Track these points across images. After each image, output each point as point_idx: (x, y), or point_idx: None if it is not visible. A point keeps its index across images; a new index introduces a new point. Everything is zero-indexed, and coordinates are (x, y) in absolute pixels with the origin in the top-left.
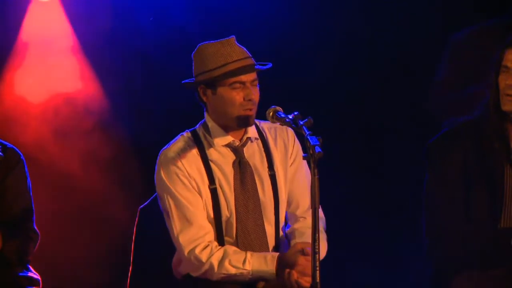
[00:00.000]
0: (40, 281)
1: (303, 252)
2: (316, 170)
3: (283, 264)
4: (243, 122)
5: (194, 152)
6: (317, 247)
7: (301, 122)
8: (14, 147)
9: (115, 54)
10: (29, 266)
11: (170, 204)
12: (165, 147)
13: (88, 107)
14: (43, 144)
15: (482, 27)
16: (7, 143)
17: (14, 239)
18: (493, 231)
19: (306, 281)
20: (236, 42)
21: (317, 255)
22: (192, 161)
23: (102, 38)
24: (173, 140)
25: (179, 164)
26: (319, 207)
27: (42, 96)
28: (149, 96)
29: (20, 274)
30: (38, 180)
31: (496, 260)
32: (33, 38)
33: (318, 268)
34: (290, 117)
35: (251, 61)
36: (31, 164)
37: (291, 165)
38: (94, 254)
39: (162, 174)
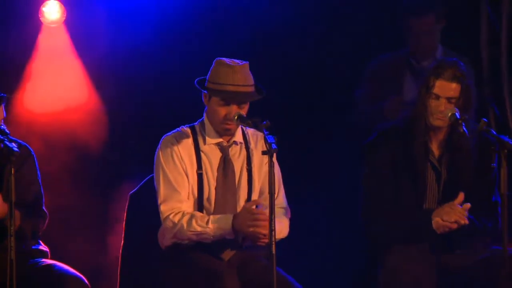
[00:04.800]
0: (49, 253)
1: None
2: (272, 163)
3: (237, 218)
4: (223, 133)
5: (189, 141)
6: (273, 223)
7: (260, 124)
8: (27, 145)
9: (114, 67)
10: (40, 240)
11: (161, 178)
12: (167, 134)
13: (89, 114)
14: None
15: (388, 57)
16: (21, 141)
17: (28, 218)
18: (417, 212)
19: (258, 227)
20: (244, 70)
21: (273, 225)
22: (186, 148)
23: (102, 54)
24: (174, 130)
25: (175, 148)
26: (275, 192)
27: (48, 104)
28: (147, 104)
29: (33, 247)
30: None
31: (420, 235)
32: (43, 56)
33: (274, 232)
34: (252, 120)
35: (247, 89)
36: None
37: (265, 164)
38: (94, 231)
39: (160, 154)
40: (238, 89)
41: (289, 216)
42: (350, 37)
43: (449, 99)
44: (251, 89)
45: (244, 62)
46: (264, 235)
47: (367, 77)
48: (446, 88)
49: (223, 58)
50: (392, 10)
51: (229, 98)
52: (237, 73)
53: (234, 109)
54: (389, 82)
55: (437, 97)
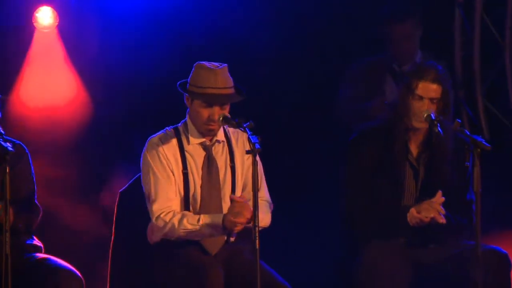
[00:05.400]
0: (43, 248)
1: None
2: (256, 162)
3: (226, 217)
4: (206, 133)
5: (174, 142)
6: (257, 219)
7: (245, 125)
8: (22, 144)
9: (103, 69)
10: (34, 236)
11: (150, 179)
12: (152, 135)
13: (77, 112)
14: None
15: (371, 60)
16: (16, 140)
17: (22, 213)
18: (395, 208)
19: (242, 217)
20: (224, 73)
21: (257, 220)
22: (171, 149)
23: (91, 57)
24: (159, 132)
25: (161, 149)
26: (258, 187)
27: (41, 104)
28: (134, 103)
29: (27, 242)
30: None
31: (397, 230)
32: (37, 59)
33: (257, 228)
34: (236, 120)
35: (227, 91)
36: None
37: (247, 159)
38: (87, 226)
39: (147, 155)
40: (220, 92)
41: (272, 208)
42: (335, 38)
43: (431, 100)
44: (232, 91)
45: (223, 65)
46: (248, 219)
47: (350, 78)
48: (429, 89)
49: (203, 62)
50: (374, 16)
51: (211, 100)
52: (218, 76)
53: (216, 110)
54: (372, 83)
55: (421, 98)
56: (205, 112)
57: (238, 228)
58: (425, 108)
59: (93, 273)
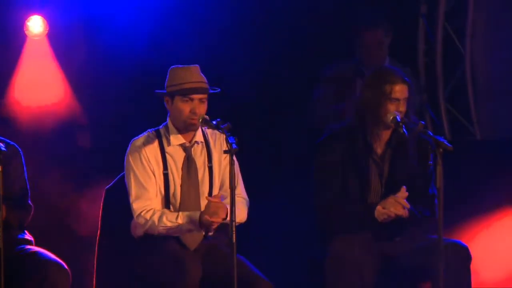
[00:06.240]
0: (33, 242)
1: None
2: (233, 161)
3: (201, 214)
4: (189, 128)
5: (155, 144)
6: (234, 215)
7: (222, 126)
8: (15, 144)
9: (90, 75)
10: (25, 230)
11: (131, 179)
12: (134, 138)
13: (65, 114)
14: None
15: (343, 63)
16: (9, 140)
17: (15, 210)
18: (362, 205)
19: (218, 217)
20: (197, 70)
21: (233, 216)
22: (152, 151)
23: (79, 64)
24: (141, 134)
25: (142, 151)
26: (235, 186)
27: (32, 107)
28: (121, 104)
29: (19, 236)
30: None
31: (364, 225)
32: (28, 65)
33: (234, 224)
34: (214, 122)
35: (203, 85)
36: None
37: (224, 159)
38: (75, 221)
39: (129, 157)
40: (197, 85)
41: (248, 205)
42: (311, 40)
43: (404, 100)
44: (207, 86)
45: (195, 64)
46: (224, 218)
47: (324, 80)
48: (402, 91)
49: (176, 65)
50: (345, 22)
51: (191, 92)
52: (193, 72)
53: (196, 104)
54: (343, 87)
55: (397, 100)
56: (186, 107)
57: (214, 226)
58: (401, 108)
59: (80, 266)
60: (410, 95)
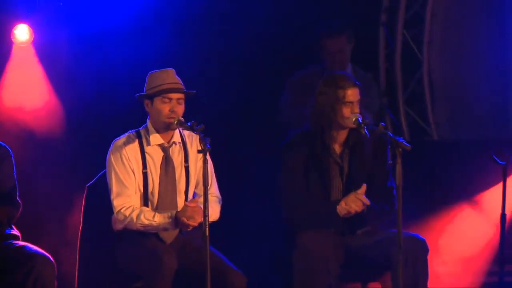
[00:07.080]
0: (20, 237)
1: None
2: (207, 160)
3: (178, 216)
4: (168, 127)
5: (136, 144)
6: (207, 210)
7: (197, 127)
8: (6, 145)
9: (72, 79)
10: (13, 226)
11: (112, 177)
12: (116, 138)
13: (52, 116)
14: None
15: (309, 69)
16: (1, 142)
17: (4, 207)
18: (325, 202)
19: (194, 221)
20: (173, 73)
21: (207, 211)
22: (132, 150)
23: (63, 68)
24: (122, 135)
25: (123, 151)
26: (208, 184)
27: (18, 109)
28: (101, 107)
29: (6, 231)
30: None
31: (327, 221)
32: (14, 70)
33: (207, 219)
34: (189, 124)
35: (180, 85)
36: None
37: (199, 159)
38: (60, 218)
39: (111, 156)
40: (174, 86)
41: (221, 203)
42: (282, 43)
43: (357, 102)
44: (183, 87)
45: (171, 68)
46: (200, 223)
47: (290, 84)
48: (354, 94)
49: (154, 70)
50: (313, 29)
51: (169, 91)
52: (170, 74)
53: (174, 103)
54: (308, 90)
55: (350, 103)
56: (166, 107)
57: (189, 228)
58: (356, 110)
59: (64, 258)
60: (362, 96)
